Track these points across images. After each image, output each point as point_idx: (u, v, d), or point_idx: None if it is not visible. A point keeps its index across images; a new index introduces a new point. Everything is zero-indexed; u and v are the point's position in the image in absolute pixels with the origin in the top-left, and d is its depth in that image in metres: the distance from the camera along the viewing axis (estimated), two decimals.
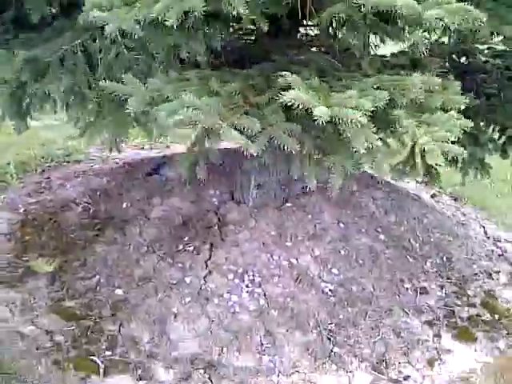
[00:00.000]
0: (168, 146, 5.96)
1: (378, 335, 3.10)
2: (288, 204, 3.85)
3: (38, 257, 3.57)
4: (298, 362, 2.89)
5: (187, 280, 3.25)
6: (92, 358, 2.83)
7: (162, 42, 1.96)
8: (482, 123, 3.46)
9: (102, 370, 2.76)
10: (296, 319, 3.08)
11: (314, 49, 3.01)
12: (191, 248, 3.46)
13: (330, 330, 3.07)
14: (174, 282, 3.25)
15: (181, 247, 3.49)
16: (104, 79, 2.19)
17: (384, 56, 2.83)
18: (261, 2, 1.87)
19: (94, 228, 3.83)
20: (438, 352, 3.08)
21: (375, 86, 1.94)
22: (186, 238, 3.56)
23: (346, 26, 1.94)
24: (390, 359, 2.97)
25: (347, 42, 2.06)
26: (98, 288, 3.28)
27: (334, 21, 1.93)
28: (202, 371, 2.79)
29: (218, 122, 1.81)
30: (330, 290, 3.30)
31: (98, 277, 3.35)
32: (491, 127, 3.55)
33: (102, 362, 2.81)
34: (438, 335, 3.21)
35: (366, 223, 3.94)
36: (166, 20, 1.68)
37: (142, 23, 1.77)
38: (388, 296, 3.41)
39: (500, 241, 4.52)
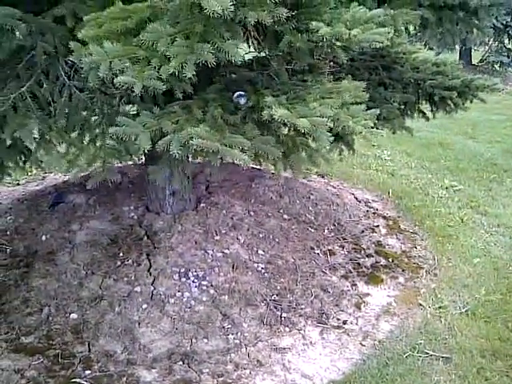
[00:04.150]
0: (43, 178, 5.92)
1: (312, 295, 3.67)
2: (202, 205, 4.24)
3: None
4: (258, 333, 3.33)
5: (137, 290, 3.49)
6: (75, 381, 2.96)
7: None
8: None
9: None
10: (244, 298, 3.52)
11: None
12: (130, 262, 3.69)
13: (274, 301, 3.56)
14: (125, 294, 3.48)
15: (119, 263, 3.70)
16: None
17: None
18: None
19: (19, 266, 3.83)
20: (359, 297, 3.75)
21: (319, 96, 2.46)
22: (121, 254, 3.77)
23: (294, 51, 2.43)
24: (327, 311, 3.56)
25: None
26: (50, 319, 3.37)
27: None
28: (180, 363, 3.09)
29: (217, 144, 2.16)
30: (262, 268, 3.79)
31: (46, 309, 3.42)
32: None
33: (86, 381, 2.96)
34: (354, 284, 3.89)
35: (269, 208, 4.50)
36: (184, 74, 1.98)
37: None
38: (307, 262, 4.01)
39: (369, 202, 5.41)
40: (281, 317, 3.46)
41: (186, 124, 2.25)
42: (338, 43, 2.44)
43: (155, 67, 2.05)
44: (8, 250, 4.02)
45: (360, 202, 5.41)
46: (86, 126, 2.61)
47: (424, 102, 4.47)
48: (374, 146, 6.98)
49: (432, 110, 4.55)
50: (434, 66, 4.61)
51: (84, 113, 2.64)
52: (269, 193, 4.72)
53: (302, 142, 2.41)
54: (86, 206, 4.33)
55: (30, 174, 5.92)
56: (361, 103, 2.57)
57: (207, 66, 2.12)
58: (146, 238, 3.90)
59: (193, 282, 3.56)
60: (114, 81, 2.04)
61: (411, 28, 4.34)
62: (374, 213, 5.14)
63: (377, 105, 4.13)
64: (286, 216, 4.47)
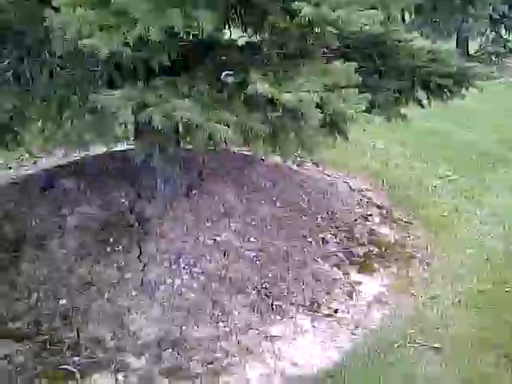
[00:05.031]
0: (35, 162, 5.85)
1: (303, 283, 3.65)
2: (193, 192, 4.19)
3: None
4: (248, 321, 3.31)
5: (127, 276, 3.46)
6: (63, 367, 2.93)
7: (142, 57, 2.19)
8: None
9: (78, 375, 2.89)
10: (235, 286, 3.49)
11: None
12: (120, 248, 3.66)
13: (265, 288, 3.54)
14: (115, 280, 3.44)
15: (109, 249, 3.66)
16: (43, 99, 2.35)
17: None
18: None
19: (8, 250, 3.78)
20: (351, 286, 3.73)
21: (311, 74, 2.42)
22: (111, 240, 3.73)
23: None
24: (318, 300, 3.54)
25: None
26: (39, 304, 3.33)
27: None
28: (169, 350, 3.07)
29: (203, 119, 2.13)
30: (253, 255, 3.76)
31: (35, 294, 3.38)
32: None
33: (74, 367, 2.93)
34: (346, 273, 3.87)
35: (262, 195, 4.45)
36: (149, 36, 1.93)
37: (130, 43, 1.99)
38: (299, 250, 3.98)
39: (363, 191, 5.37)
40: (272, 305, 3.44)
41: (171, 98, 2.20)
42: (329, 28, 2.38)
43: (124, 33, 2.00)
44: None
45: (354, 190, 5.37)
46: (65, 103, 2.54)
47: (419, 89, 4.43)
48: (368, 134, 6.91)
49: (428, 98, 4.51)
50: (429, 54, 4.56)
51: (63, 90, 2.57)
52: (262, 180, 4.67)
53: (290, 121, 2.37)
54: (76, 190, 4.27)
55: (21, 158, 5.86)
56: (353, 87, 2.53)
57: (195, 47, 2.08)
58: (136, 224, 3.85)
59: (183, 268, 3.53)
60: (79, 44, 1.98)
61: (407, 16, 4.31)
62: (367, 202, 5.10)
63: (372, 92, 4.11)
64: (278, 204, 4.43)
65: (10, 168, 5.69)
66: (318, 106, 2.32)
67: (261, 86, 2.12)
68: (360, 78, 2.69)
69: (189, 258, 3.60)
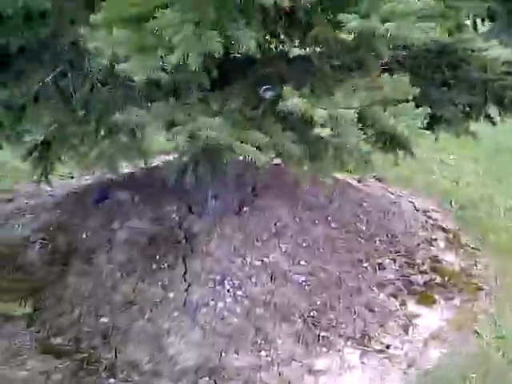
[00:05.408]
0: (94, 172, 5.91)
1: (355, 313, 3.40)
2: (245, 209, 4.05)
3: (8, 301, 3.49)
4: (292, 352, 3.11)
5: (170, 296, 3.36)
6: None
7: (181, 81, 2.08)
8: None
9: None
10: (280, 312, 3.30)
11: None
12: (165, 265, 3.57)
13: (312, 317, 3.32)
14: (158, 300, 3.35)
15: (155, 266, 3.58)
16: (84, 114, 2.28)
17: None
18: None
19: (58, 263, 3.80)
20: (408, 318, 3.44)
21: (353, 89, 2.21)
22: (158, 257, 3.65)
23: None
24: (370, 333, 3.28)
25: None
26: (81, 320, 3.30)
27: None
28: (207, 378, 2.93)
29: (230, 139, 1.98)
30: (302, 280, 3.55)
31: (78, 310, 3.36)
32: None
33: None
34: (403, 304, 3.58)
35: (316, 214, 4.24)
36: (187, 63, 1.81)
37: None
38: (352, 277, 3.73)
39: (429, 211, 5.02)
40: (318, 335, 3.22)
41: (199, 115, 2.06)
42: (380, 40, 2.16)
43: (161, 57, 1.88)
44: (50, 246, 3.99)
45: (418, 211, 5.04)
46: (103, 120, 2.48)
47: (491, 104, 4.07)
48: (437, 150, 6.52)
49: (500, 114, 4.13)
50: (504, 65, 4.19)
51: (102, 106, 2.50)
52: (317, 197, 4.46)
53: (329, 139, 2.17)
54: (130, 203, 4.24)
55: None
56: (407, 101, 2.28)
57: (237, 61, 1.93)
58: (184, 240, 3.76)
59: (227, 291, 3.38)
60: (114, 69, 1.89)
61: (479, 22, 3.97)
62: (432, 224, 4.76)
63: (439, 106, 3.81)
64: (333, 224, 4.20)
65: (73, 177, 5.79)
66: (363, 121, 2.12)
67: (292, 100, 1.94)
68: (418, 90, 2.43)
69: (234, 279, 3.45)
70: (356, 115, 2.00)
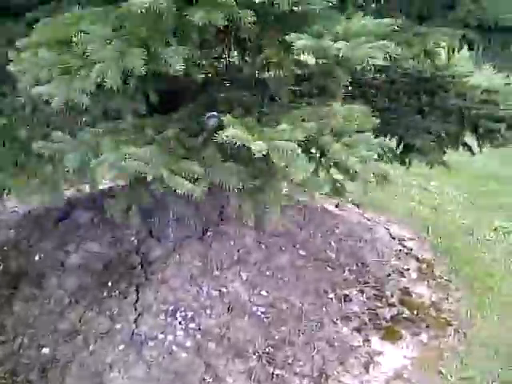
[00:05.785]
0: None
1: (314, 349, 3.22)
2: (208, 233, 3.87)
3: None
4: None
5: (117, 327, 3.17)
6: None
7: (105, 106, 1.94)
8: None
9: None
10: (234, 348, 3.11)
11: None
12: (117, 293, 3.38)
13: (267, 353, 3.13)
14: (104, 331, 3.16)
15: (105, 294, 3.39)
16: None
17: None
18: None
19: (7, 286, 3.60)
20: (370, 356, 3.25)
21: (301, 118, 2.05)
22: (110, 284, 3.46)
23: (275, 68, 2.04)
24: (328, 371, 3.09)
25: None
26: (21, 351, 3.10)
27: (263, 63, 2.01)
28: None
29: (161, 170, 1.82)
30: (261, 312, 3.37)
31: (20, 339, 3.16)
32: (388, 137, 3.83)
33: None
34: (367, 339, 3.39)
35: (284, 241, 4.06)
36: (105, 82, 1.66)
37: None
38: (316, 309, 3.55)
39: (404, 240, 4.86)
40: (272, 374, 3.03)
41: (127, 143, 1.90)
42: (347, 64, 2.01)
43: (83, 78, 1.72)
44: (1, 266, 3.80)
45: (394, 238, 4.87)
46: (26, 148, 2.31)
47: (469, 132, 3.93)
48: (420, 175, 6.38)
49: (478, 143, 3.99)
50: (484, 93, 4.06)
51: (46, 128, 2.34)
52: (287, 223, 4.29)
53: (275, 172, 2.02)
54: (89, 224, 4.07)
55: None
56: (363, 131, 2.13)
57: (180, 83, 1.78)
58: (139, 267, 3.58)
59: (179, 323, 3.19)
60: (32, 92, 1.74)
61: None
62: (406, 253, 4.59)
63: (412, 135, 3.67)
64: (302, 251, 4.02)
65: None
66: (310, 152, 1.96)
67: (231, 130, 1.78)
68: (378, 121, 2.28)
69: (187, 310, 3.26)
70: (300, 147, 1.84)
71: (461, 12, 3.36)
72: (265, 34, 2.06)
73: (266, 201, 2.25)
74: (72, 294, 3.42)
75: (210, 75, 2.44)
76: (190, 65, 1.91)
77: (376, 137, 2.31)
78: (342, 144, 2.12)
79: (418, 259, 4.49)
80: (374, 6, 2.72)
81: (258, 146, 1.74)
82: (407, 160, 3.80)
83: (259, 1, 1.76)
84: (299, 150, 1.80)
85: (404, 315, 3.68)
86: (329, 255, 4.15)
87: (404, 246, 4.71)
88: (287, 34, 1.91)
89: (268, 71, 2.40)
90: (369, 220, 5.24)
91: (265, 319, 3.34)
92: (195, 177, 1.92)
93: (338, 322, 3.49)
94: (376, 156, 2.18)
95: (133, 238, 3.87)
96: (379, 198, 5.66)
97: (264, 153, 1.76)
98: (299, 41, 1.84)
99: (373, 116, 3.35)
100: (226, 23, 1.77)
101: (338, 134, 2.16)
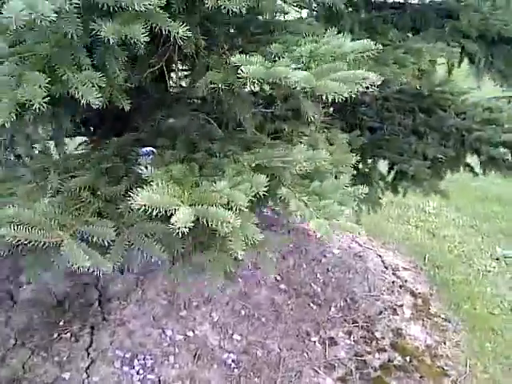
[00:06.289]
0: None
1: None
2: (177, 264, 3.46)
3: None
4: None
5: (66, 376, 2.76)
6: None
7: None
8: (369, 160, 3.34)
9: None
10: None
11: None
12: (68, 335, 2.97)
13: None
14: (50, 380, 2.75)
15: (56, 335, 2.99)
16: None
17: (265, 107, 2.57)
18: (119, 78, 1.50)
19: None
20: None
21: (254, 165, 1.65)
22: (62, 323, 3.06)
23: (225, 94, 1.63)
24: None
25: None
26: None
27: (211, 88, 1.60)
28: None
29: (58, 233, 1.43)
30: (232, 360, 2.96)
31: None
32: (379, 164, 3.44)
33: None
34: None
35: (264, 273, 3.66)
36: None
37: None
38: (296, 355, 3.14)
39: (399, 269, 4.45)
40: None
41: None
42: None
43: None
44: None
45: (387, 268, 4.46)
46: None
47: (470, 155, 3.53)
48: (419, 195, 5.99)
49: (481, 168, 3.59)
50: (485, 112, 3.66)
51: None
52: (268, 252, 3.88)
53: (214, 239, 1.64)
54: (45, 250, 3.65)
55: None
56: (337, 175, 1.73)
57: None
58: (97, 303, 3.17)
59: (137, 372, 2.78)
60: None
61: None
62: (400, 286, 4.18)
63: (404, 159, 3.28)
64: (283, 285, 3.63)
65: None
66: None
67: (150, 196, 1.37)
68: (356, 160, 1.88)
69: (147, 358, 2.85)
70: (245, 209, 1.44)
71: (461, 21, 2.99)
72: (213, 51, 1.66)
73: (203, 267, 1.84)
74: (19, 334, 3.01)
75: (145, 99, 2.03)
76: (116, 88, 1.51)
77: (353, 181, 1.92)
78: (307, 193, 1.73)
79: (413, 293, 4.08)
80: (363, 15, 2.32)
81: (180, 218, 1.30)
82: (400, 188, 3.41)
83: (209, 4, 1.36)
84: (237, 223, 1.38)
85: (395, 362, 3.27)
86: (314, 289, 3.75)
87: (398, 278, 4.30)
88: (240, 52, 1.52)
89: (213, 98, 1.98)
90: (360, 245, 4.83)
91: (235, 369, 2.92)
92: (108, 240, 1.53)
93: (321, 370, 3.08)
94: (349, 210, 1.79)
95: (94, 269, 3.45)
96: (372, 220, 5.27)
97: (189, 225, 1.32)
98: (246, 66, 1.41)
99: (359, 136, 2.98)
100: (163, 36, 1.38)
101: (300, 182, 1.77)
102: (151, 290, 3.21)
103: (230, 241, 1.48)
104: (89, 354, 2.86)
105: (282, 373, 2.98)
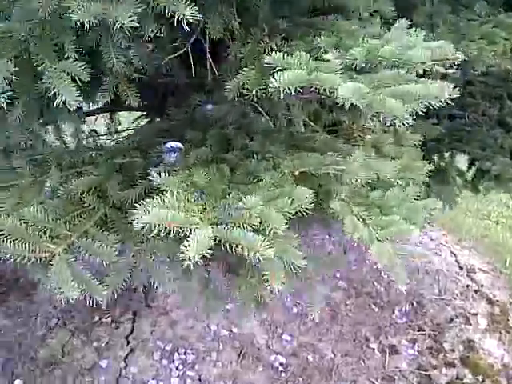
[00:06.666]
0: None
1: None
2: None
3: None
4: None
5: (103, 364, 2.62)
6: None
7: None
8: (446, 154, 2.93)
9: None
10: None
11: None
12: (109, 319, 2.83)
13: None
14: (88, 366, 2.62)
15: (97, 318, 2.85)
16: None
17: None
18: None
19: None
20: None
21: (297, 173, 1.34)
22: (104, 306, 2.90)
23: None
24: None
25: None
26: None
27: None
28: None
29: (49, 247, 1.20)
30: (280, 363, 2.71)
31: None
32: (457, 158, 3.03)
33: None
34: None
35: (322, 267, 3.35)
36: None
37: None
38: (351, 362, 2.84)
39: (474, 271, 4.01)
40: None
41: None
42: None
43: None
44: None
45: (461, 269, 4.04)
46: None
47: None
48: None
49: None
50: None
51: None
52: (329, 245, 3.59)
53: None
54: None
55: None
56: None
57: None
58: (141, 288, 2.99)
59: (176, 368, 2.60)
60: None
61: None
62: (476, 290, 3.75)
63: (487, 155, 2.85)
64: (342, 283, 3.32)
65: None
66: None
67: (158, 212, 1.09)
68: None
69: (188, 352, 2.66)
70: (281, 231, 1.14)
71: None
72: (250, 34, 1.35)
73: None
74: (61, 314, 2.90)
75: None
76: (122, 79, 1.25)
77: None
78: (366, 206, 1.40)
79: (489, 300, 3.65)
80: None
81: (194, 246, 0.99)
82: (481, 187, 2.99)
83: None
84: (271, 252, 1.07)
85: (465, 380, 2.90)
86: (376, 289, 3.42)
87: (473, 281, 3.87)
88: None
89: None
90: (432, 240, 4.42)
91: (283, 373, 2.67)
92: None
93: (378, 382, 2.77)
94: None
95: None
96: (448, 213, 4.81)
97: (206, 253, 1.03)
98: (279, 74, 1.07)
99: (435, 124, 2.57)
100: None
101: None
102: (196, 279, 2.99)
103: (264, 272, 1.19)
104: (128, 342, 2.71)
105: (335, 381, 2.70)
